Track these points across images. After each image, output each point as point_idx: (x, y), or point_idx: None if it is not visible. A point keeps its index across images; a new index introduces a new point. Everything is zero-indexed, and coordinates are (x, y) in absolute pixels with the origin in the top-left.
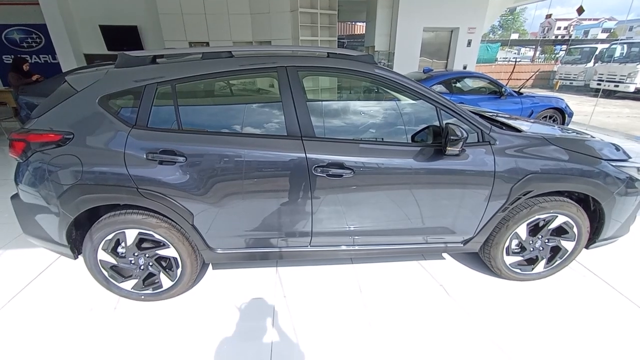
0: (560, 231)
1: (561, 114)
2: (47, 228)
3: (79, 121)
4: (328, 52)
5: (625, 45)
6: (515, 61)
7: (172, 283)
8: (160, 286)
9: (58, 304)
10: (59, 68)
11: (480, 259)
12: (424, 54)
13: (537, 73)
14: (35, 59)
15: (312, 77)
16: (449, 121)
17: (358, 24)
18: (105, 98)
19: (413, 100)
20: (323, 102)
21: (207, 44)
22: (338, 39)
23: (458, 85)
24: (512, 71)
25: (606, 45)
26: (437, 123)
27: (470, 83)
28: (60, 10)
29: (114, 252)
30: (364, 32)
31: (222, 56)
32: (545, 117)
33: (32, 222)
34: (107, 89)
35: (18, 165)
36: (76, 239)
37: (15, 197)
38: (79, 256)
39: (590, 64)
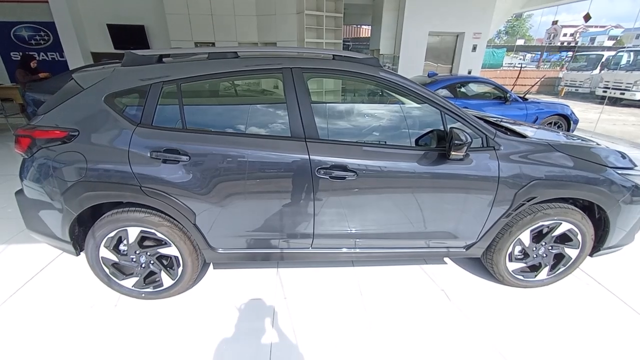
0: (564, 238)
1: (566, 121)
2: (50, 224)
3: (84, 119)
4: (333, 55)
5: (631, 53)
6: (521, 67)
7: (172, 282)
8: (161, 285)
9: (59, 300)
10: (66, 66)
11: (483, 264)
12: (429, 58)
13: (543, 79)
14: (43, 56)
15: (316, 79)
16: (453, 125)
17: (363, 27)
18: (111, 96)
19: (417, 104)
20: (327, 104)
21: (213, 44)
22: (343, 41)
23: (463, 90)
24: (518, 77)
25: (612, 53)
26: (441, 127)
27: (475, 88)
28: (68, 9)
29: (115, 249)
30: (369, 35)
31: (228, 56)
32: (550, 123)
33: (35, 217)
34: (113, 87)
35: (23, 161)
36: (79, 236)
37: (19, 192)
38: (81, 253)
39: (596, 71)
